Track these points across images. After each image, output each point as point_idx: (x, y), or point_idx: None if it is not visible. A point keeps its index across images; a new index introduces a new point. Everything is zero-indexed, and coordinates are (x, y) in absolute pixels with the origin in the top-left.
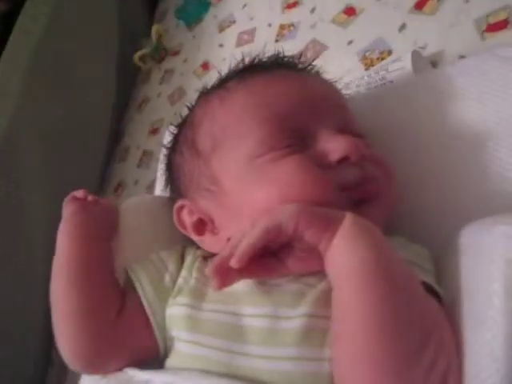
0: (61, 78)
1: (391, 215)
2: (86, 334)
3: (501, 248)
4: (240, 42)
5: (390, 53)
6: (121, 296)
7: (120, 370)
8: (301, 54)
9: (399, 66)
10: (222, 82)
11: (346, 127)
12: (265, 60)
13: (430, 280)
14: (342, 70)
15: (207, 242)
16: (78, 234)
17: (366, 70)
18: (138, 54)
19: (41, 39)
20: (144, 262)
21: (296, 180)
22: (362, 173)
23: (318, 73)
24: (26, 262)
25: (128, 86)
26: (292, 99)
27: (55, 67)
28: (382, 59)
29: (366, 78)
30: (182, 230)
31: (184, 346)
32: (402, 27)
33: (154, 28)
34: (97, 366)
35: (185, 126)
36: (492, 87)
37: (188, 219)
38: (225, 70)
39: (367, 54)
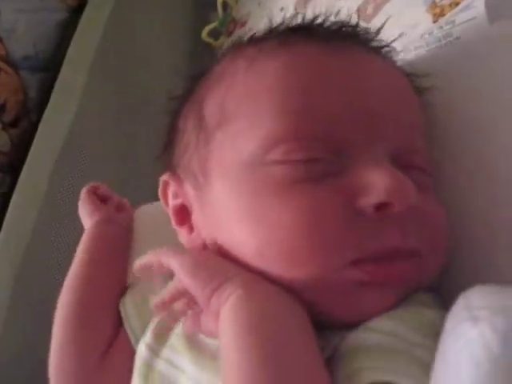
0: (129, 65)
1: None
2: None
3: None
4: (300, 2)
5: None
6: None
7: None
8: (380, 28)
9: (469, 15)
10: (260, 39)
11: (404, 154)
12: (327, 24)
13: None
14: (404, 25)
15: (183, 237)
16: (96, 250)
17: (435, 22)
18: (206, 29)
19: (105, 28)
20: (134, 284)
21: (296, 232)
22: (400, 240)
23: (394, 61)
24: None
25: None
26: (344, 94)
27: (123, 54)
28: (456, 5)
29: (426, 36)
30: (165, 209)
31: None
32: None
33: None
34: None
35: (200, 82)
36: None
37: (171, 201)
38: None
39: None
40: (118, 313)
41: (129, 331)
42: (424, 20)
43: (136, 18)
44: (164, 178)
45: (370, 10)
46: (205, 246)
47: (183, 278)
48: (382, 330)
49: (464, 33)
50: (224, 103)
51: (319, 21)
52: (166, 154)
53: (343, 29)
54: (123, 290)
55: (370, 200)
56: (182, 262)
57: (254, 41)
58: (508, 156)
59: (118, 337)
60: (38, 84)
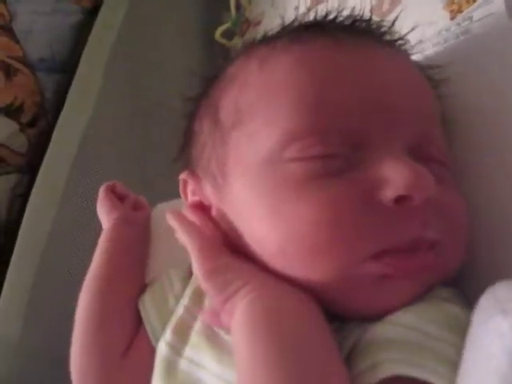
0: (143, 67)
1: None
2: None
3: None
4: (313, 1)
5: None
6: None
7: None
8: (394, 21)
9: (487, 11)
10: (272, 38)
11: (421, 147)
12: (340, 19)
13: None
14: (420, 23)
15: None
16: (114, 251)
17: (452, 19)
18: (219, 29)
19: (120, 30)
20: (153, 283)
21: (316, 227)
22: (420, 231)
23: (408, 54)
24: None
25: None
26: (358, 89)
27: (137, 56)
28: (474, 1)
29: (444, 32)
30: (185, 203)
31: None
32: None
33: None
34: None
35: (214, 84)
36: None
37: (190, 197)
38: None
39: None
40: (138, 312)
41: (149, 330)
42: (441, 18)
43: (150, 20)
44: (183, 176)
45: (386, 5)
46: (223, 244)
47: (200, 281)
48: (403, 324)
49: (481, 28)
50: (238, 102)
51: (332, 16)
52: (183, 155)
53: (356, 23)
54: (142, 288)
55: (388, 193)
56: (199, 265)
57: (267, 40)
58: None
59: (138, 335)
60: (54, 85)
